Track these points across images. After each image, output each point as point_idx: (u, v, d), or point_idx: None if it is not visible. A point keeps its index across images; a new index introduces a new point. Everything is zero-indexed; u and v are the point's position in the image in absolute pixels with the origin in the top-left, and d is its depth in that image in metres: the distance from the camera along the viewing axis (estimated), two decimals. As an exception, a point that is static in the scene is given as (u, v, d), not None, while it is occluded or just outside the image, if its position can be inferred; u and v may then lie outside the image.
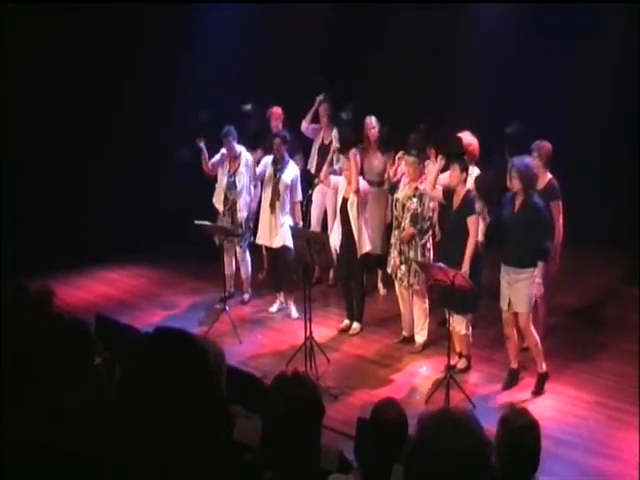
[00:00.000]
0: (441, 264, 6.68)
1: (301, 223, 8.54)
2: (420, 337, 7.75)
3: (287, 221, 8.39)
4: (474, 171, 7.43)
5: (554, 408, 6.60)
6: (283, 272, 8.63)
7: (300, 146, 9.33)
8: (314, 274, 9.25)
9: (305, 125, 9.39)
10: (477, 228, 7.00)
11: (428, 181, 7.32)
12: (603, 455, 5.92)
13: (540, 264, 6.57)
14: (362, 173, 8.24)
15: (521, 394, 6.82)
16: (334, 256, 7.67)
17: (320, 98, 9.27)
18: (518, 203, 6.64)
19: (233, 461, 2.75)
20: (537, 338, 6.80)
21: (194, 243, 8.89)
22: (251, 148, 8.97)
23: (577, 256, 9.10)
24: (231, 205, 8.75)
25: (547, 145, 7.26)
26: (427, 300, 7.66)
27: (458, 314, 7.00)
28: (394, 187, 7.69)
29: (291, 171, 8.46)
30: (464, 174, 7.00)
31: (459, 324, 7.09)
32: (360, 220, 7.87)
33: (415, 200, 7.43)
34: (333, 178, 8.24)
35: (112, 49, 9.76)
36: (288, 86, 10.09)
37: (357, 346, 7.95)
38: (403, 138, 8.26)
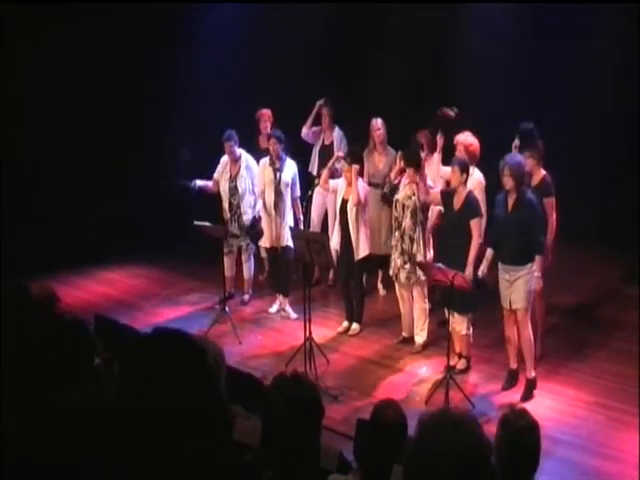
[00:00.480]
0: (440, 265, 6.69)
1: (302, 217, 8.53)
2: (420, 338, 7.75)
3: (289, 221, 8.40)
4: (474, 172, 7.43)
5: (553, 408, 6.60)
6: (283, 273, 8.63)
7: (295, 147, 9.29)
8: (314, 274, 9.25)
9: (305, 131, 9.30)
10: (480, 230, 7.01)
11: (420, 190, 7.33)
12: (603, 455, 5.92)
13: (538, 258, 6.59)
14: (364, 174, 8.23)
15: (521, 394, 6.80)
16: (334, 257, 7.68)
17: (320, 102, 9.24)
18: (511, 202, 6.64)
19: (233, 461, 2.75)
20: (531, 337, 6.80)
21: (194, 243, 8.88)
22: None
23: (577, 256, 9.10)
24: (235, 210, 8.72)
25: (539, 142, 7.31)
26: (427, 301, 7.67)
27: (459, 314, 7.02)
28: (394, 189, 7.66)
29: (290, 169, 8.46)
30: (464, 175, 7.00)
31: (460, 324, 7.09)
32: (359, 225, 7.89)
33: (414, 198, 7.43)
34: (332, 181, 8.24)
35: (112, 49, 9.76)
36: (288, 86, 10.09)
37: (357, 347, 7.94)
38: (403, 138, 8.26)
